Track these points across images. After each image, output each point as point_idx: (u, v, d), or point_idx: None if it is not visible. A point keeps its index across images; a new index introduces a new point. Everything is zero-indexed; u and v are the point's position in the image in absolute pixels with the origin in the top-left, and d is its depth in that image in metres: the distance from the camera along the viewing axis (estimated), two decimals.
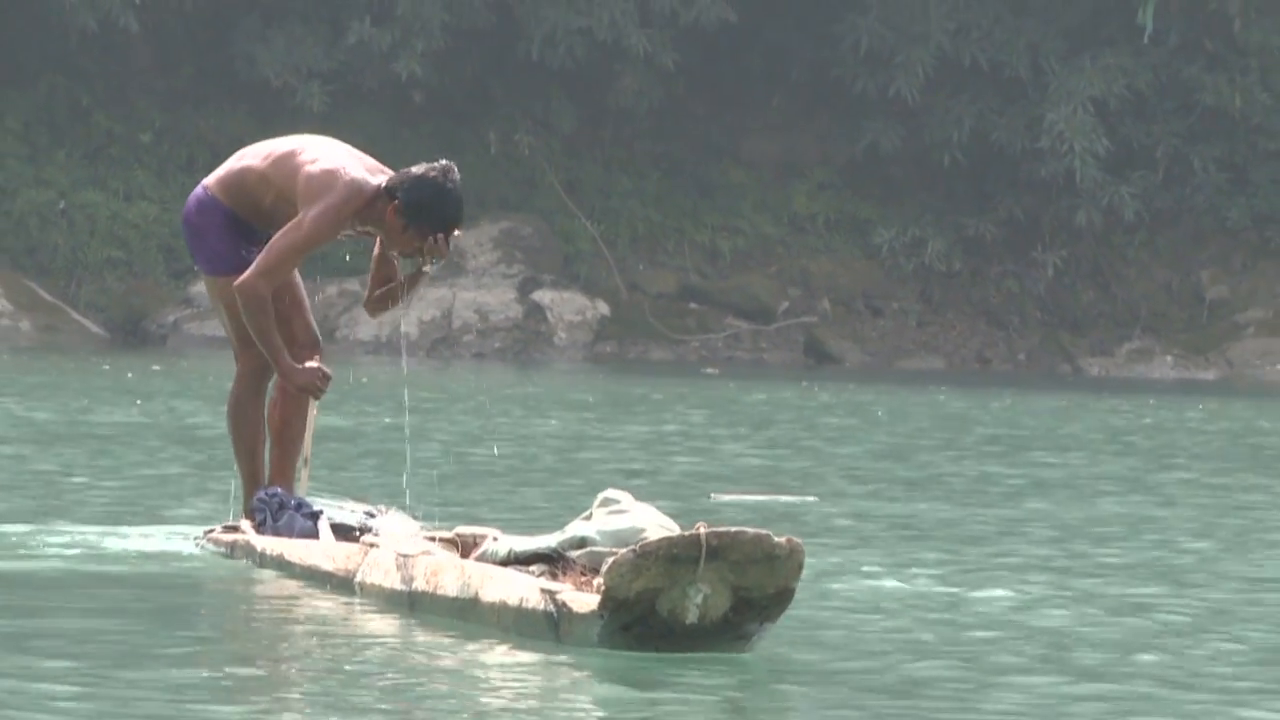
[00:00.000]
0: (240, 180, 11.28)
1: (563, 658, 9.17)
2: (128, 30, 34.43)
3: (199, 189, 11.36)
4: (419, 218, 10.44)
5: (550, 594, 9.37)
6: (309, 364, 11.18)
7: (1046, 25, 37.57)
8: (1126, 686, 8.55)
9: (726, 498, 14.62)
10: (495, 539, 10.48)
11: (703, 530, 8.62)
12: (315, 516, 11.58)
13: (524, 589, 9.68)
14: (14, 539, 12.22)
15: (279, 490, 11.78)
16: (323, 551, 11.65)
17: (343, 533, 11.49)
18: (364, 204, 11.09)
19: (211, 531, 11.92)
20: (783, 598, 8.69)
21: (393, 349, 36.20)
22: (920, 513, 15.02)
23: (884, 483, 17.91)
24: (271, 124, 33.58)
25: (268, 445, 12.00)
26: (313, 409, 11.84)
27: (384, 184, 10.67)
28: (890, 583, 10.97)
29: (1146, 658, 9.30)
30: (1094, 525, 15.54)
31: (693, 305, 37.60)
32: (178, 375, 31.91)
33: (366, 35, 35.77)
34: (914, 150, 37.61)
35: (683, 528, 9.21)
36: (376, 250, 11.11)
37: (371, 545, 11.02)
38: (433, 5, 36.19)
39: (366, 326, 36.43)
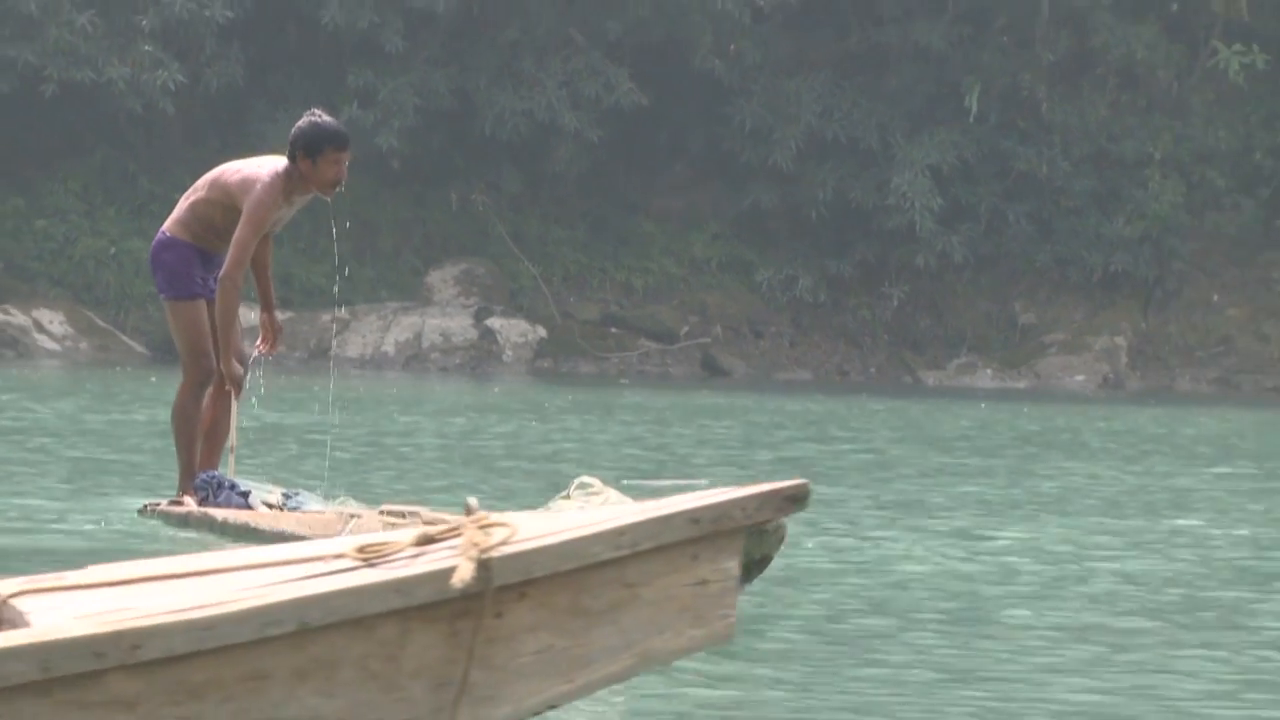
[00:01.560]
0: (193, 214, 11.83)
1: None
2: (165, 112, 35.47)
3: (162, 235, 12.13)
4: (317, 148, 11.27)
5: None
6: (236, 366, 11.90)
7: (893, 108, 38.54)
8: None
9: (635, 482, 12.84)
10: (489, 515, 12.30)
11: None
12: (245, 495, 12.09)
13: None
14: (49, 513, 12.95)
15: (216, 473, 12.20)
16: (295, 520, 11.94)
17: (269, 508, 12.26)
18: (284, 181, 11.69)
19: (156, 504, 12.30)
20: (764, 563, 9.30)
21: (376, 364, 37.21)
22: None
23: (762, 466, 18.86)
24: None
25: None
26: (235, 409, 12.27)
27: (288, 160, 11.61)
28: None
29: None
30: (913, 486, 17.08)
31: (613, 329, 38.56)
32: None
33: (355, 115, 36.17)
34: (788, 207, 38.38)
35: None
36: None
37: (354, 514, 11.40)
38: (407, 91, 37.12)
39: (354, 346, 37.50)
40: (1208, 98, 39.53)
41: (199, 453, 12.30)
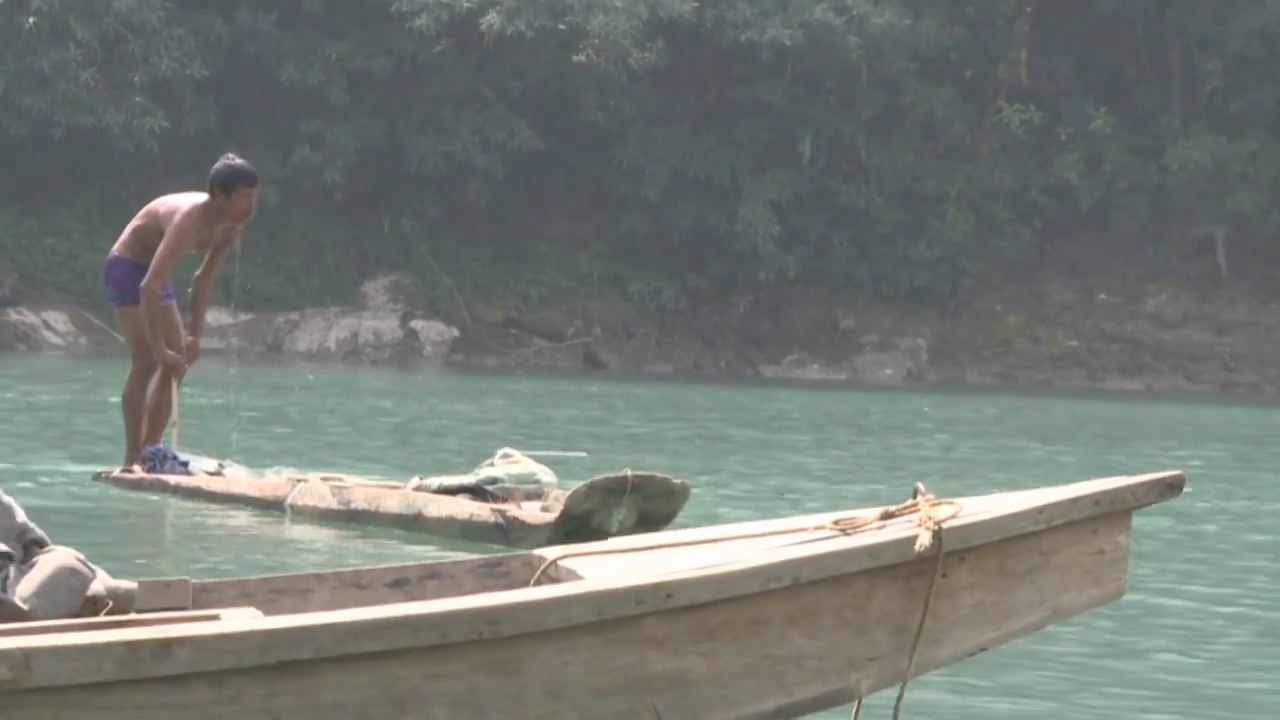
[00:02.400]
0: (134, 237, 12.23)
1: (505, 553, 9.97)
2: (151, 152, 36.45)
3: (111, 255, 12.60)
4: (230, 185, 11.48)
5: (500, 511, 10.38)
6: (178, 355, 12.23)
7: (741, 152, 39.86)
8: None
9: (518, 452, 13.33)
10: (422, 477, 11.32)
11: (629, 473, 9.84)
12: (185, 464, 12.42)
13: (471, 507, 10.65)
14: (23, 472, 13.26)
15: (160, 446, 12.48)
16: (246, 483, 12.26)
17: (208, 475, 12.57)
18: (202, 212, 12.00)
19: (108, 473, 12.67)
20: (670, 518, 9.95)
21: (321, 357, 38.12)
22: (644, 460, 15.32)
23: (623, 440, 19.91)
24: None
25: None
26: (176, 392, 12.53)
27: (209, 195, 11.87)
28: None
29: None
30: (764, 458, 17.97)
31: (513, 330, 40.04)
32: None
33: (306, 156, 38.45)
34: (656, 232, 40.09)
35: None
36: (199, 277, 12.26)
37: (300, 479, 11.78)
38: (348, 137, 38.56)
39: (303, 342, 38.94)
40: (994, 146, 41.41)
41: (144, 430, 12.56)
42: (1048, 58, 41.49)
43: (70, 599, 4.70)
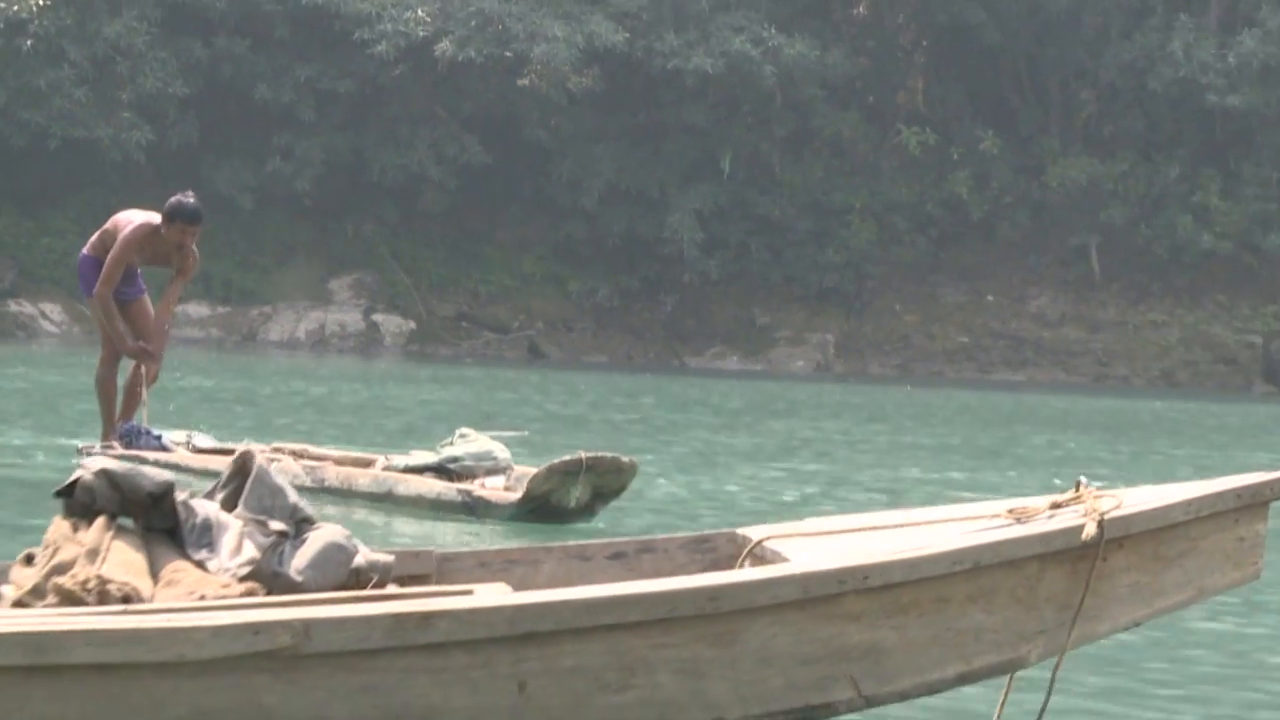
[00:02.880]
0: (100, 241, 12.07)
1: (473, 528, 10.30)
2: (138, 162, 36.78)
3: (82, 254, 12.38)
4: (171, 218, 11.36)
5: (466, 491, 10.37)
6: (140, 343, 11.98)
7: (669, 168, 40.37)
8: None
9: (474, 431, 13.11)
10: (388, 456, 11.18)
11: (583, 455, 9.89)
12: (159, 437, 12.28)
13: (438, 486, 10.59)
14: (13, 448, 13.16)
15: (133, 424, 12.40)
16: (222, 461, 12.15)
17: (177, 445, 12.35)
18: (146, 232, 11.90)
19: (90, 447, 12.35)
20: (620, 491, 10.17)
21: (291, 346, 38.29)
22: (579, 436, 15.85)
23: (559, 421, 19.84)
24: (221, 217, 36.00)
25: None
26: (148, 375, 12.42)
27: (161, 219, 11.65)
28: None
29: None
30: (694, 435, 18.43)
31: (463, 324, 40.49)
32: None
33: (278, 166, 38.62)
34: (593, 238, 40.59)
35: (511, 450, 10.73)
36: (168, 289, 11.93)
37: (274, 457, 11.42)
38: (316, 150, 38.80)
39: (275, 332, 39.02)
40: (893, 164, 41.68)
41: (118, 408, 12.50)
42: (942, 86, 41.90)
43: (337, 572, 4.70)
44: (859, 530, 4.78)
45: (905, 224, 41.52)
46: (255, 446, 11.06)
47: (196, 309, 37.75)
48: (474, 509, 10.28)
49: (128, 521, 4.62)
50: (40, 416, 16.71)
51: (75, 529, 4.64)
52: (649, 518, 10.77)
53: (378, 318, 39.83)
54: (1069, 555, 4.36)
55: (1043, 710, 4.65)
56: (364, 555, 4.67)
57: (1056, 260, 42.23)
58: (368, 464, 11.10)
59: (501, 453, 10.54)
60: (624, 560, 4.97)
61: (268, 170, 38.59)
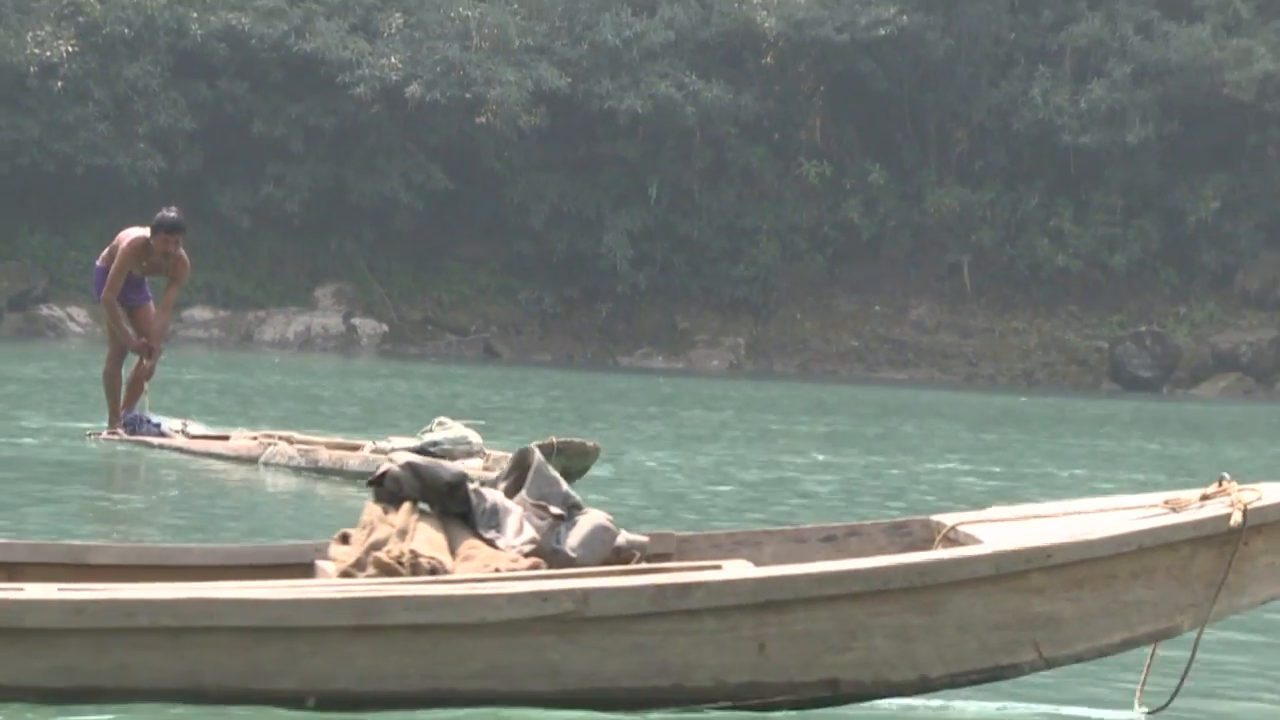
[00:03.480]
0: (108, 254, 11.99)
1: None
2: (152, 186, 35.98)
3: (97, 264, 12.24)
4: (156, 230, 11.24)
5: (465, 449, 10.24)
6: (142, 339, 11.75)
7: (604, 194, 40.15)
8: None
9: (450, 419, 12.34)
10: (375, 441, 10.65)
11: (554, 439, 9.64)
12: (158, 425, 11.97)
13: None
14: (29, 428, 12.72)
15: (136, 413, 12.08)
16: (223, 445, 11.54)
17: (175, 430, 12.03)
18: (139, 243, 11.72)
19: (96, 434, 12.11)
20: (584, 472, 9.85)
21: (281, 345, 37.51)
22: (536, 425, 15.64)
23: (512, 410, 19.78)
24: (223, 234, 37.54)
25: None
26: (149, 368, 12.12)
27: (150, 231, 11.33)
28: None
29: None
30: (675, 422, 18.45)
31: (429, 327, 40.20)
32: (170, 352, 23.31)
33: (271, 191, 38.42)
34: (540, 254, 40.27)
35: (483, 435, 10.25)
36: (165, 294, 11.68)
37: (270, 441, 11.17)
38: (304, 175, 38.29)
39: (269, 334, 38.37)
40: (796, 192, 41.28)
41: (122, 399, 12.18)
42: (837, 126, 41.62)
43: (603, 549, 4.61)
44: (1037, 517, 4.77)
45: (805, 243, 41.23)
46: (247, 432, 10.98)
47: (201, 313, 37.75)
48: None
49: (425, 506, 4.65)
50: (59, 404, 16.45)
51: (385, 512, 4.69)
52: (595, 489, 10.19)
53: (356, 321, 39.32)
54: (1216, 539, 4.36)
55: (1185, 673, 4.59)
56: (624, 536, 4.66)
57: (934, 275, 41.92)
58: (355, 448, 10.77)
59: (475, 438, 10.31)
60: (834, 542, 4.91)
61: (262, 194, 38.21)
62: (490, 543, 4.59)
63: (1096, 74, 40.50)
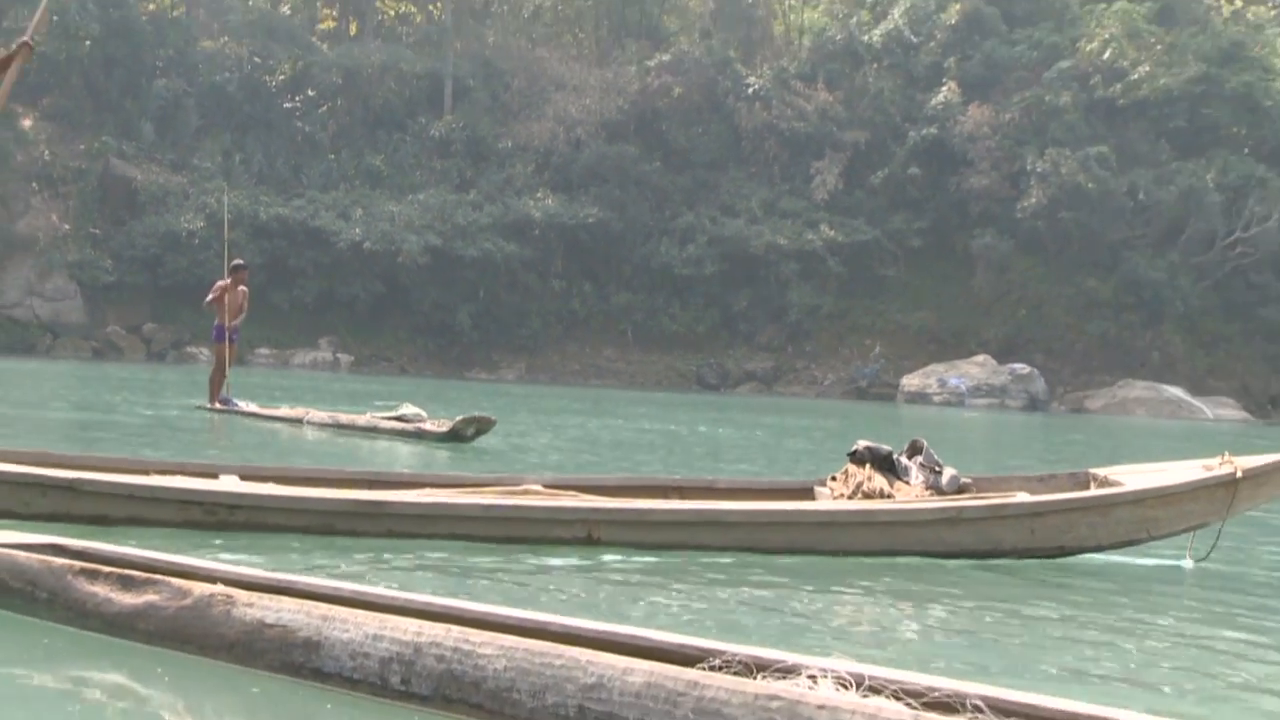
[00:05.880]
0: (217, 302, 13.02)
1: (416, 446, 10.69)
2: (207, 244, 37.68)
3: (215, 323, 13.70)
4: (232, 272, 11.26)
5: (418, 428, 11.51)
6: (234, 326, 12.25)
7: (459, 295, 42.48)
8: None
9: (409, 405, 13.11)
10: (372, 413, 11.96)
11: (476, 414, 10.97)
12: (236, 403, 14.01)
13: (400, 425, 11.65)
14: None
15: (225, 395, 14.07)
16: (283, 410, 13.57)
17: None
18: (222, 285, 12.60)
19: (203, 406, 14.03)
20: (486, 432, 11.03)
21: (301, 367, 39.97)
22: (458, 409, 15.85)
23: (426, 399, 18.83)
24: (272, 310, 40.99)
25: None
26: (229, 369, 13.60)
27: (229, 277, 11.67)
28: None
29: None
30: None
31: (374, 359, 43.53)
32: (244, 370, 28.48)
33: (298, 292, 41.60)
34: (426, 324, 42.90)
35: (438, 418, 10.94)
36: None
37: (307, 412, 12.80)
38: (313, 284, 41.47)
39: (297, 359, 41.27)
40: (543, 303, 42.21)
41: (219, 388, 14.25)
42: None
43: (954, 486, 5.73)
44: (1143, 472, 5.95)
45: (555, 318, 44.56)
46: (297, 408, 13.08)
47: (263, 350, 42.28)
48: (421, 437, 10.89)
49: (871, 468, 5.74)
50: (187, 394, 17.47)
51: (859, 467, 6.02)
52: (502, 440, 10.58)
53: (339, 355, 43.73)
54: (1226, 482, 5.76)
55: (1216, 540, 5.93)
56: (962, 480, 5.84)
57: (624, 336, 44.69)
58: (359, 417, 12.09)
59: (421, 412, 11.78)
60: (1046, 482, 6.17)
61: (293, 293, 44.04)
62: (906, 483, 6.00)
63: (690, 241, 46.01)
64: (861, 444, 6.20)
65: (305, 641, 3.07)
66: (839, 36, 48.82)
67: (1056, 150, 43.90)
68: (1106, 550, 6.19)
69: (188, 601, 3.21)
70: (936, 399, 41.37)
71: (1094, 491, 6.04)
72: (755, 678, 2.68)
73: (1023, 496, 6.02)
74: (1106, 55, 45.87)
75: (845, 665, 2.69)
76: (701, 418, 20.24)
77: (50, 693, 3.13)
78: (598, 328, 46.11)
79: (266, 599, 3.18)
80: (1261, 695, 3.98)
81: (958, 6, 47.95)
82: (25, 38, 6.83)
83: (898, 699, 2.58)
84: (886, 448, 6.32)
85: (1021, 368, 42.86)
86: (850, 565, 5.63)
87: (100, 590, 3.32)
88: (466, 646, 2.82)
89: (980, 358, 43.75)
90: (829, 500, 6.14)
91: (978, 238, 45.32)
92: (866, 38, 48.66)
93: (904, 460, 6.37)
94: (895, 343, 45.48)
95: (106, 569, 3.35)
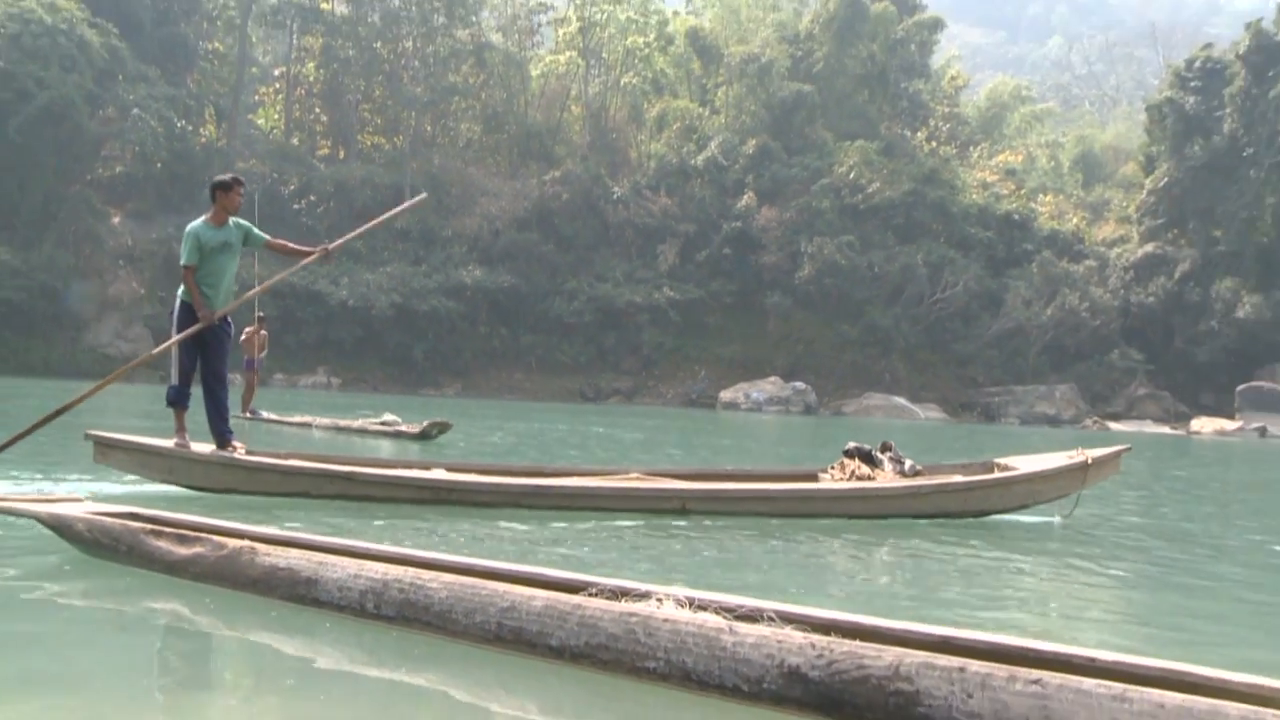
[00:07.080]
0: (245, 342, 12.12)
1: (395, 444, 10.23)
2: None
3: (245, 357, 13.15)
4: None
5: (396, 430, 11.64)
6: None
7: (420, 338, 43.25)
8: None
9: (390, 414, 12.94)
10: (364, 420, 11.39)
11: (439, 420, 10.51)
12: (261, 413, 14.20)
13: (382, 428, 11.60)
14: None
15: (253, 407, 14.15)
16: (291, 420, 13.61)
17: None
18: (252, 329, 11.79)
19: (238, 415, 13.89)
20: (445, 432, 10.92)
21: (305, 388, 40.97)
22: (425, 414, 16.00)
23: (399, 409, 18.95)
24: (286, 348, 41.40)
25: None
26: (256, 389, 13.12)
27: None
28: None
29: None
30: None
31: (358, 379, 44.60)
32: (267, 392, 30.56)
33: (304, 334, 42.38)
34: (394, 356, 43.90)
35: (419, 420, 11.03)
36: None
37: (314, 419, 12.51)
38: (313, 330, 42.27)
39: (302, 381, 42.23)
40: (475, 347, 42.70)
41: (248, 402, 14.58)
42: None
43: (912, 471, 5.44)
44: (1030, 461, 6.19)
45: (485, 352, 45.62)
46: (302, 416, 14.52)
47: (278, 375, 43.01)
48: (399, 436, 11.18)
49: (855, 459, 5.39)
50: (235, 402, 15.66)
51: (850, 459, 6.41)
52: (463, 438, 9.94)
53: (333, 379, 45.51)
54: (1082, 467, 6.30)
55: (1075, 503, 6.40)
56: (918, 467, 5.85)
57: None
58: (353, 422, 12.41)
59: (399, 419, 12.23)
60: (966, 468, 6.34)
61: (301, 336, 45.54)
62: (882, 470, 6.44)
63: (575, 299, 46.25)
64: (852, 444, 7.06)
65: (306, 579, 3.58)
66: (675, 160, 54.11)
67: (820, 239, 49.49)
68: (1008, 512, 7.07)
69: (224, 552, 3.77)
70: (743, 407, 45.37)
71: (1002, 474, 6.90)
72: (621, 600, 3.14)
73: (958, 478, 6.89)
74: (852, 175, 52.19)
75: (683, 590, 3.15)
76: (589, 420, 22.01)
77: (129, 615, 3.89)
78: (511, 359, 49.67)
79: (279, 550, 3.71)
80: (1099, 608, 4.90)
81: (754, 141, 53.52)
82: (330, 246, 7.38)
83: (717, 613, 3.01)
84: (868, 446, 7.14)
85: (800, 385, 46.88)
86: (844, 525, 6.47)
87: (163, 545, 3.87)
88: (419, 582, 3.29)
89: (772, 378, 47.60)
90: (832, 482, 6.94)
91: (769, 297, 50.61)
92: (694, 161, 53.90)
93: (880, 455, 7.15)
94: (715, 368, 49.63)
95: (168, 529, 3.87)
